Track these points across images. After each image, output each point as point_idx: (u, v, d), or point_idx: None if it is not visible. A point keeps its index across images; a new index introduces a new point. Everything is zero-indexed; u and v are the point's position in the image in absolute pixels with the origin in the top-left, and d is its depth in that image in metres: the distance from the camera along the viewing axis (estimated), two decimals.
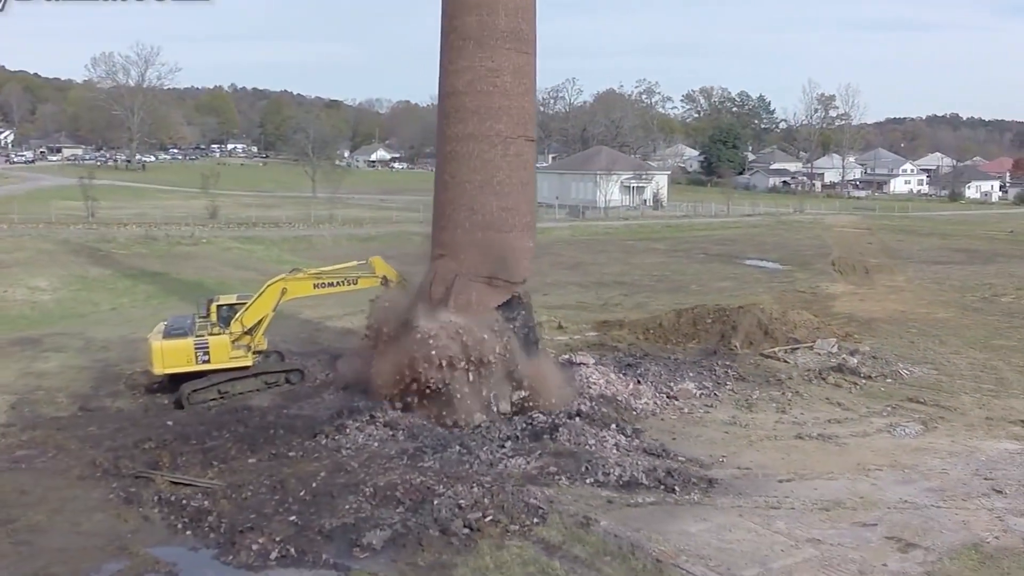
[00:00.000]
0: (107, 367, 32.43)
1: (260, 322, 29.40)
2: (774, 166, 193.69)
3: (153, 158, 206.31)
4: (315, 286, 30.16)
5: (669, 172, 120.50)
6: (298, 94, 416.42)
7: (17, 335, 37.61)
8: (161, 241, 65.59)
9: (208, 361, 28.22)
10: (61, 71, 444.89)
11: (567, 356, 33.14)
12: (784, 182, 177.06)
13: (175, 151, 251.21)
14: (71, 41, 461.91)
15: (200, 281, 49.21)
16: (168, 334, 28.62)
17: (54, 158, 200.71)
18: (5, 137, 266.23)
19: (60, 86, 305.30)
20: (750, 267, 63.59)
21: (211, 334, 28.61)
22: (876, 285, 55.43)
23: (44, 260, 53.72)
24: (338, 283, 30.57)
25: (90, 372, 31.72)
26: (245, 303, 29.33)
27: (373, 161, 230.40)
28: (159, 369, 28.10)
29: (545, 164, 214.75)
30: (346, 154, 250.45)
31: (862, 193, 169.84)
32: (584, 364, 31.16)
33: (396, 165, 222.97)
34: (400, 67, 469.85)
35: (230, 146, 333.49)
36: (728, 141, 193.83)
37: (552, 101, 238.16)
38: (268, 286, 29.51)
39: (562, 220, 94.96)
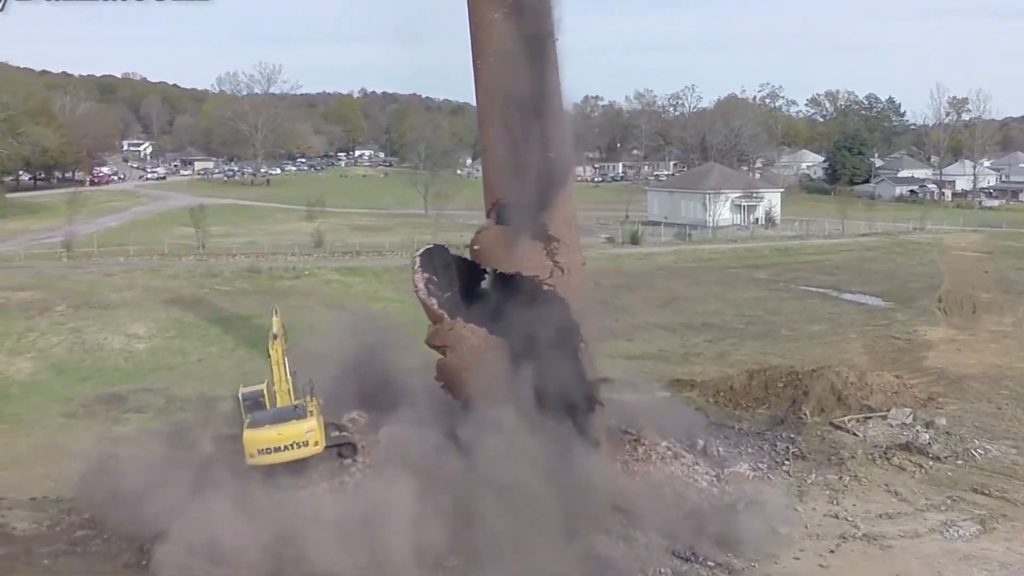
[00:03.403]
0: (181, 433, 33.62)
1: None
2: (902, 173, 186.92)
3: (279, 170, 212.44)
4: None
5: (783, 190, 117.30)
6: (427, 97, 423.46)
7: (107, 391, 39.48)
8: (264, 275, 67.60)
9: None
10: (199, 81, 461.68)
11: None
12: (911, 191, 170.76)
13: (302, 161, 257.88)
14: (207, 49, 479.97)
15: (291, 325, 50.56)
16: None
17: (185, 172, 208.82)
18: (144, 149, 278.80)
19: (197, 96, 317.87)
20: (850, 304, 61.69)
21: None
22: (980, 329, 53.13)
23: (148, 301, 56.02)
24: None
25: (164, 439, 32.86)
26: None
27: None
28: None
29: (667, 173, 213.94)
30: (468, 162, 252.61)
31: (995, 203, 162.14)
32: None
33: None
34: None
35: (358, 153, 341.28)
36: (854, 148, 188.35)
37: (672, 108, 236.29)
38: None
39: (668, 243, 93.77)
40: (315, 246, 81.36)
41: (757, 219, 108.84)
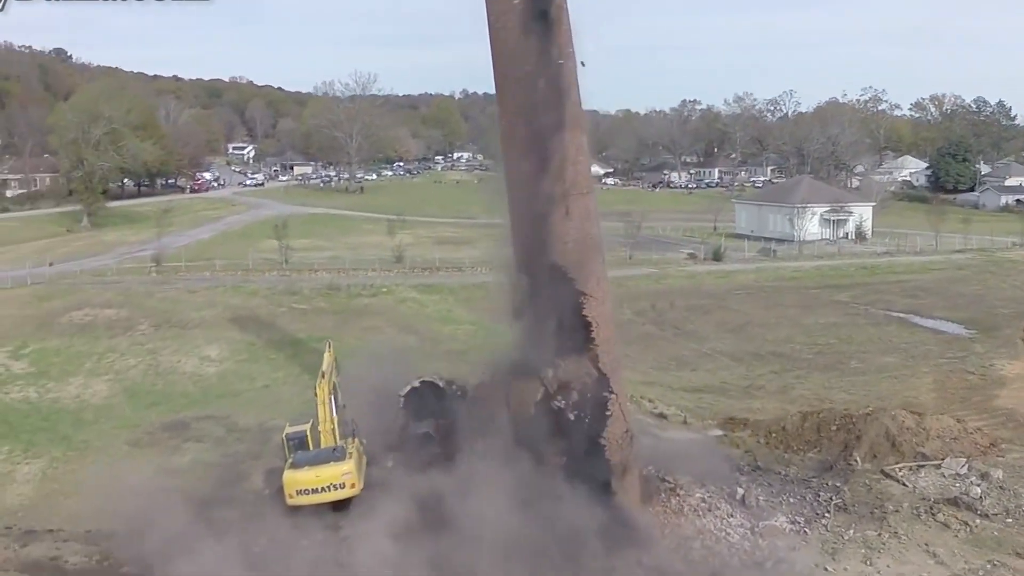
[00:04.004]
0: (234, 464, 34.79)
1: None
2: (1009, 181, 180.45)
3: (374, 176, 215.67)
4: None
5: (874, 203, 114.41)
6: None
7: (172, 418, 40.89)
8: (342, 292, 68.90)
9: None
10: (304, 84, 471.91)
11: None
12: (1017, 200, 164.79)
13: (400, 165, 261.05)
14: (315, 52, 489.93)
15: (357, 347, 51.65)
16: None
17: (284, 178, 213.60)
18: (247, 153, 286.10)
19: (300, 99, 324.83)
20: (929, 332, 60.11)
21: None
22: None
23: (225, 321, 57.76)
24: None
25: (217, 471, 34.08)
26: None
27: None
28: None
29: (764, 179, 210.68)
30: None
31: None
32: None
33: (608, 181, 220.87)
34: (624, 72, 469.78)
35: (456, 155, 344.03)
36: (958, 154, 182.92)
37: (770, 112, 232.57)
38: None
39: (751, 260, 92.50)
40: (395, 261, 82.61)
41: (847, 234, 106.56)
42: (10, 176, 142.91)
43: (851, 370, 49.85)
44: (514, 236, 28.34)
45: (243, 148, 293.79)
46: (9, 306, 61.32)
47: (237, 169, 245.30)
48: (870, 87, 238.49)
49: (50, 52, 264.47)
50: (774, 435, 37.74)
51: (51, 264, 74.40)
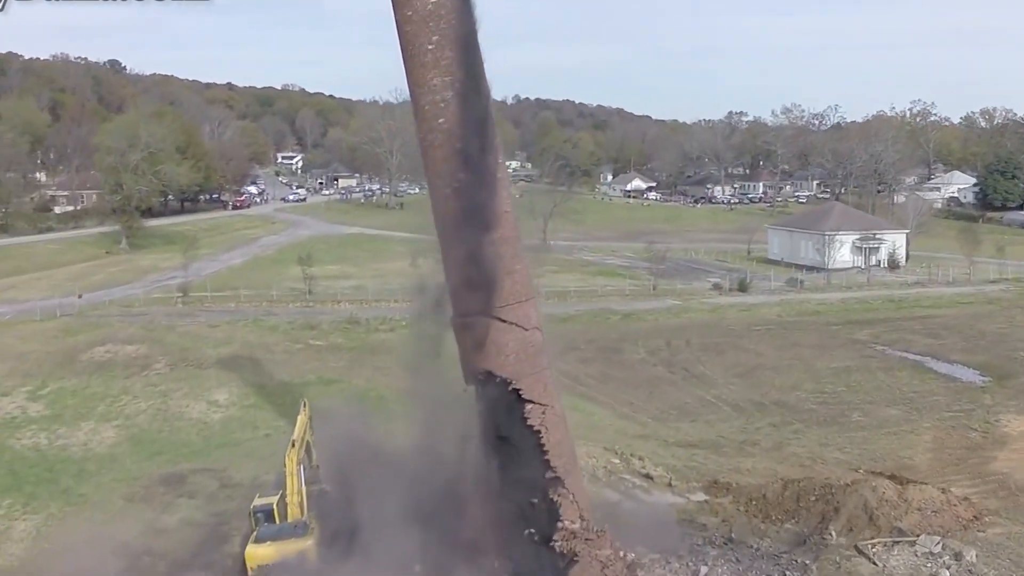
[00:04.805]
0: (219, 524, 35.70)
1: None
2: None
3: (417, 189, 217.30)
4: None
5: (908, 231, 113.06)
6: (580, 103, 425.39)
7: (170, 471, 41.98)
8: (361, 326, 70.02)
9: None
10: (354, 91, 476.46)
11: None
12: None
13: None
14: (362, 55, 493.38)
15: (365, 392, 52.60)
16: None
17: (328, 192, 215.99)
18: (295, 163, 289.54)
19: (350, 107, 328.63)
20: (941, 379, 59.41)
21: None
22: None
23: (240, 360, 59.06)
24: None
25: (200, 533, 34.95)
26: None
27: (629, 191, 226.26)
28: None
29: (808, 193, 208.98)
30: (608, 180, 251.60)
31: None
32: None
33: (650, 196, 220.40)
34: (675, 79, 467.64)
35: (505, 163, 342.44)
36: (1007, 171, 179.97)
37: (815, 125, 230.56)
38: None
39: (777, 290, 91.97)
40: (417, 293, 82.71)
41: (879, 261, 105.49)
42: (58, 192, 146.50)
43: (851, 424, 49.61)
44: (458, 344, 27.87)
45: (292, 158, 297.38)
46: (36, 341, 63.21)
47: (284, 180, 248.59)
48: (919, 100, 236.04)
49: (105, 63, 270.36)
50: (754, 503, 37.79)
51: (80, 296, 76.36)
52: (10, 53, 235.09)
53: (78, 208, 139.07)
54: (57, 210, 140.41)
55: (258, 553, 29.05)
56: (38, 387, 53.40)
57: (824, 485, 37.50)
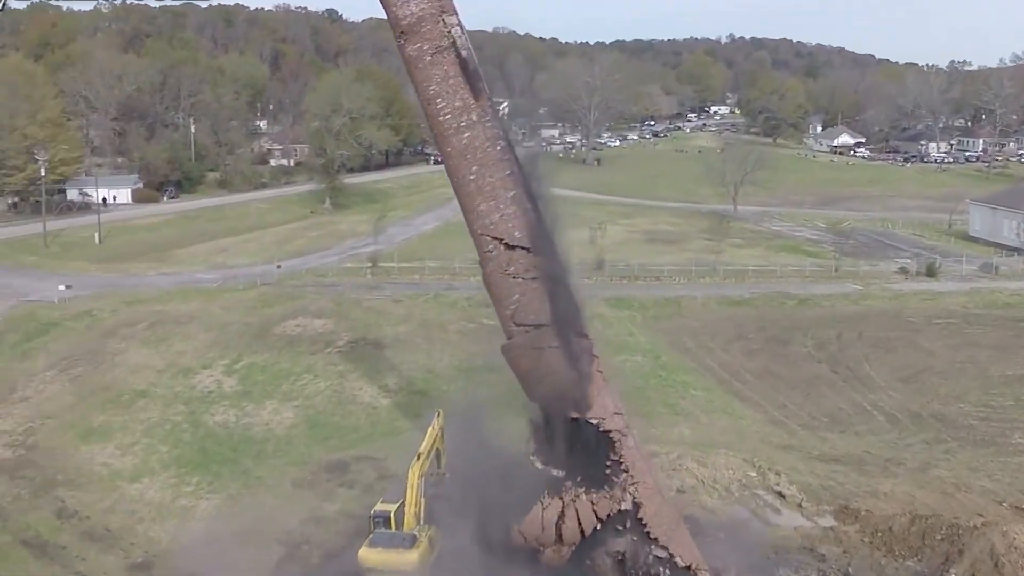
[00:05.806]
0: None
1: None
2: None
3: (617, 142, 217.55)
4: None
5: None
6: (798, 42, 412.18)
7: (335, 456, 45.89)
8: None
9: None
10: (562, 32, 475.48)
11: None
12: None
13: (649, 124, 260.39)
14: None
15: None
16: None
17: (528, 144, 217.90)
18: (503, 110, 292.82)
19: (559, 49, 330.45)
20: None
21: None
22: None
23: (415, 340, 62.93)
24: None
25: (353, 525, 38.05)
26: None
27: (836, 147, 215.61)
28: None
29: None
30: (817, 131, 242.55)
31: None
32: None
33: (858, 152, 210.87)
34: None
35: (714, 109, 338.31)
36: None
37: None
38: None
39: (968, 276, 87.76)
40: (595, 268, 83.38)
41: None
42: (274, 146, 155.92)
43: (1010, 447, 47.84)
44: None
45: (500, 103, 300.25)
46: (237, 311, 69.14)
47: None
48: None
49: (323, 12, 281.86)
50: (880, 535, 38.05)
51: (279, 266, 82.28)
52: (237, 5, 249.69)
53: (291, 164, 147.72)
54: (272, 163, 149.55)
55: (369, 557, 32.05)
56: (234, 360, 58.74)
57: (952, 525, 37.37)
